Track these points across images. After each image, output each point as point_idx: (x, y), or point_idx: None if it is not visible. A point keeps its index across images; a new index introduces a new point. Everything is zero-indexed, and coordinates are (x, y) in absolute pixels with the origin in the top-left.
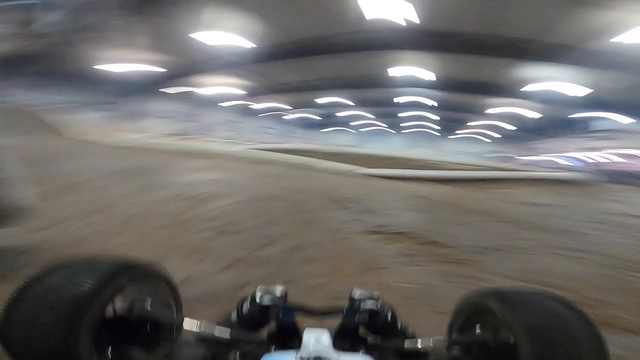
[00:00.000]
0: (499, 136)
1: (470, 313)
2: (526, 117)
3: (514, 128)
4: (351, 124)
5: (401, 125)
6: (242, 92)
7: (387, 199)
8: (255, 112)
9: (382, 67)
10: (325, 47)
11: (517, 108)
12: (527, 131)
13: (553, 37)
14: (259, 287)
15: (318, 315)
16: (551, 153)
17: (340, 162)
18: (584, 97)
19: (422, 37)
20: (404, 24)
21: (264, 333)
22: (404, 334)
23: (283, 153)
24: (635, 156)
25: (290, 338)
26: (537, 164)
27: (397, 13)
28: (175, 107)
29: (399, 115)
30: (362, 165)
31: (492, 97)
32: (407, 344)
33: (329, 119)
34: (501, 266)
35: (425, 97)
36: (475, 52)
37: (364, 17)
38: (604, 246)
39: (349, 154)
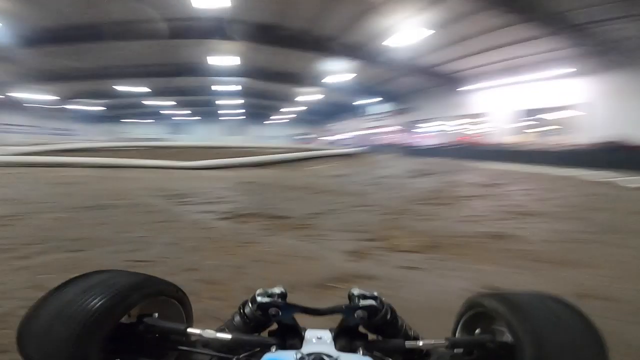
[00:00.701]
0: (304, 120)
1: (473, 315)
2: (325, 104)
3: (315, 113)
4: (164, 114)
5: (219, 113)
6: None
7: (218, 188)
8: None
9: (195, 55)
10: (119, 33)
11: (317, 95)
12: (325, 115)
13: (349, 37)
14: (259, 288)
15: (318, 314)
16: (341, 133)
17: (155, 158)
18: (362, 87)
19: (239, 28)
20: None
21: (265, 335)
22: (405, 334)
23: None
24: (392, 131)
25: (291, 338)
26: (333, 142)
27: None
28: None
29: (216, 103)
30: (180, 159)
31: (299, 87)
32: (408, 343)
33: (129, 109)
34: (330, 224)
35: (238, 85)
36: (289, 45)
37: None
38: (381, 201)
39: (164, 147)
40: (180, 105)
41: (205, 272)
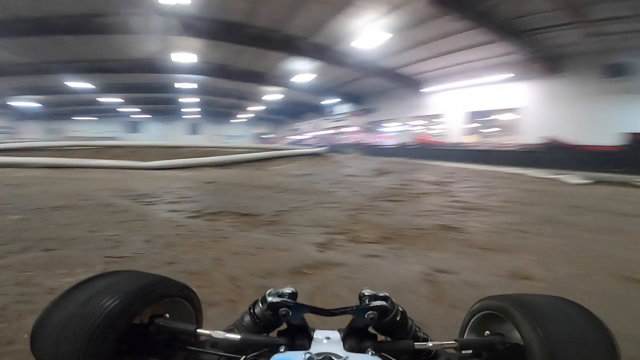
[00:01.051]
0: (268, 120)
1: (482, 317)
2: (288, 103)
3: (279, 113)
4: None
5: (180, 112)
6: None
7: (182, 188)
8: None
9: (155, 51)
10: (72, 26)
11: (280, 95)
12: (288, 115)
13: (317, 38)
14: (269, 289)
15: (328, 315)
16: (305, 132)
17: (110, 158)
18: (325, 87)
19: (203, 25)
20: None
21: (274, 335)
22: (414, 335)
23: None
24: (354, 131)
25: (300, 338)
26: (296, 142)
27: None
28: None
29: (177, 102)
30: (137, 159)
31: (263, 85)
32: (418, 345)
33: (80, 106)
34: (297, 220)
35: (195, 84)
36: (254, 44)
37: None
38: (344, 198)
39: (118, 147)
40: (137, 103)
41: (186, 264)
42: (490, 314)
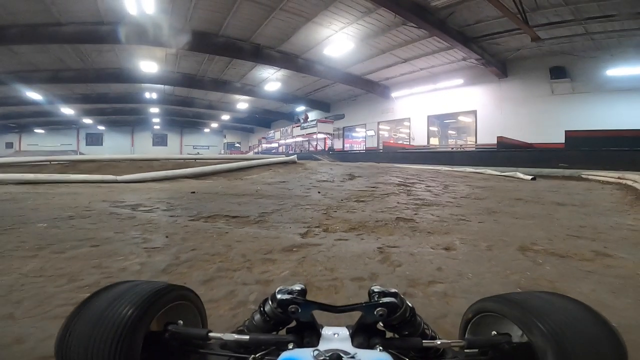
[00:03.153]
0: (237, 129)
1: (482, 318)
2: (258, 111)
3: (249, 122)
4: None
5: (147, 122)
6: None
7: (168, 198)
8: None
9: (121, 60)
10: (28, 35)
11: (247, 104)
12: (258, 123)
13: (286, 46)
14: (279, 286)
15: (337, 311)
16: (275, 140)
17: (85, 172)
18: (295, 95)
19: (172, 34)
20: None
21: (283, 333)
22: (422, 332)
23: None
24: (324, 138)
25: (308, 335)
26: (267, 150)
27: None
28: None
29: (142, 112)
30: (115, 173)
31: (232, 94)
32: (426, 342)
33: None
34: (280, 219)
35: (156, 93)
36: (226, 54)
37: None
38: (318, 201)
39: (86, 161)
40: (100, 114)
41: (205, 250)
42: (489, 315)
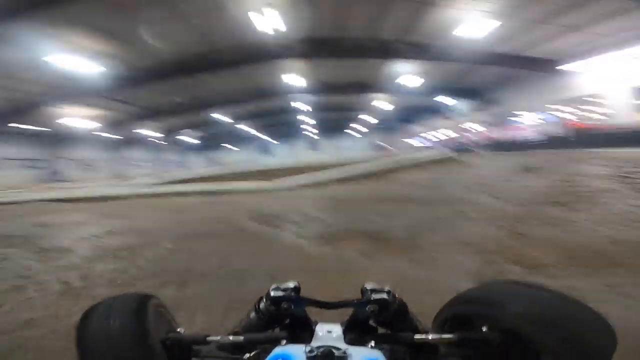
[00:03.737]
0: (381, 128)
1: (455, 313)
2: (401, 109)
3: (392, 120)
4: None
5: (298, 131)
6: (98, 124)
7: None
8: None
9: (266, 77)
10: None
11: (389, 103)
12: (402, 121)
13: (412, 36)
14: (273, 284)
15: (330, 307)
16: (423, 136)
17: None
18: (437, 86)
19: (300, 46)
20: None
21: (276, 331)
22: (414, 328)
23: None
24: (479, 128)
25: (301, 332)
26: (415, 147)
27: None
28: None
29: (294, 122)
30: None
31: (371, 95)
32: (417, 337)
33: (223, 136)
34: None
35: (305, 102)
36: (353, 55)
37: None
38: (489, 207)
39: (263, 170)
40: (263, 127)
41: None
42: (465, 312)
